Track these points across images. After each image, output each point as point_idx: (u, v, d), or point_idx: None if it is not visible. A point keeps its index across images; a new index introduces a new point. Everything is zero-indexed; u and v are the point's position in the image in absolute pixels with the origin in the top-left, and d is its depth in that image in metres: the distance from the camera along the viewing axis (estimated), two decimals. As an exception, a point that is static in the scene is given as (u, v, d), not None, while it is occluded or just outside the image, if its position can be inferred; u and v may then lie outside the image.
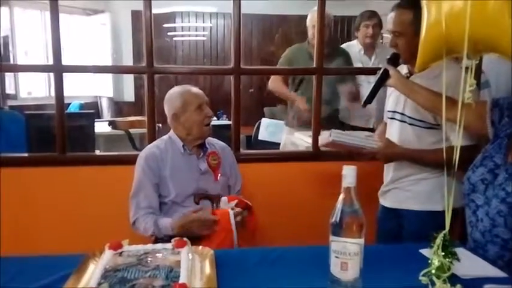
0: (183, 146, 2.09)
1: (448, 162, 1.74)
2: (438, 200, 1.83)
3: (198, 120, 2.06)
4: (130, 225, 2.02)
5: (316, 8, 3.18)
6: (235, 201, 1.98)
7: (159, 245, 1.39)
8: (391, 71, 1.81)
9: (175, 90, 2.12)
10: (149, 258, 1.28)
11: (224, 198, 1.99)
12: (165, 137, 2.16)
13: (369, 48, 3.29)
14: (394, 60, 1.87)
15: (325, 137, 1.98)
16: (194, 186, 2.05)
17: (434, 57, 1.48)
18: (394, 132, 1.99)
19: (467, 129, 1.62)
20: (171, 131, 2.14)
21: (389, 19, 1.89)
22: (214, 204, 2.06)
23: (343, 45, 3.49)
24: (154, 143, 2.16)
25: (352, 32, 3.65)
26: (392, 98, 2.02)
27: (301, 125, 3.21)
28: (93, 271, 1.23)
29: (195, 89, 2.11)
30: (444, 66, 1.39)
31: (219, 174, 2.11)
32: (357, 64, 3.20)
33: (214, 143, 2.20)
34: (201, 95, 2.11)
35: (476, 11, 1.16)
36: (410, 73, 1.93)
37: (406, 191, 1.96)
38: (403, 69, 1.97)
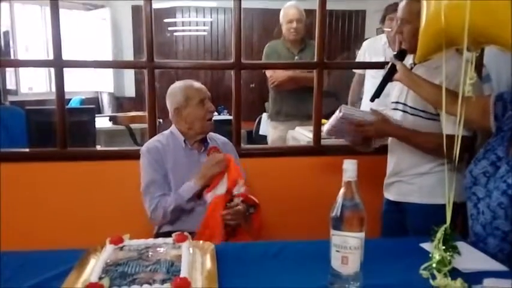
0: (184, 140, 2.09)
1: (441, 149, 1.78)
2: (441, 194, 1.82)
3: (200, 115, 2.06)
4: (148, 219, 2.02)
5: (288, 3, 3.28)
6: (240, 198, 1.98)
7: (160, 240, 1.39)
8: (398, 65, 1.81)
9: (178, 84, 2.12)
10: (150, 253, 1.28)
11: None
12: (166, 131, 2.16)
13: (395, 41, 3.27)
14: (401, 55, 1.87)
15: (332, 119, 1.97)
16: None
17: (434, 48, 1.48)
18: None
19: (471, 123, 1.62)
20: (173, 126, 2.14)
21: (399, 7, 1.93)
22: None
23: (370, 40, 3.45)
24: (156, 137, 2.16)
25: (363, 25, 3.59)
26: (396, 90, 2.04)
27: (284, 120, 3.29)
28: (94, 266, 1.23)
29: (197, 84, 2.12)
30: (444, 58, 1.39)
31: None
32: (380, 57, 3.15)
33: (216, 138, 2.20)
34: (204, 90, 2.11)
35: (476, 3, 1.16)
36: (415, 63, 1.93)
37: (410, 184, 1.96)
38: (409, 59, 1.98)
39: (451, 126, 1.71)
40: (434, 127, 1.85)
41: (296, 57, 3.27)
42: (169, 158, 2.05)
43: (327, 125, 2.06)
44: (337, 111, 1.94)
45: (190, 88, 2.09)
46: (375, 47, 3.24)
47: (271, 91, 3.38)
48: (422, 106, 1.87)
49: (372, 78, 3.20)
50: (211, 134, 2.19)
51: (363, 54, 3.31)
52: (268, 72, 3.28)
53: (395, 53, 1.91)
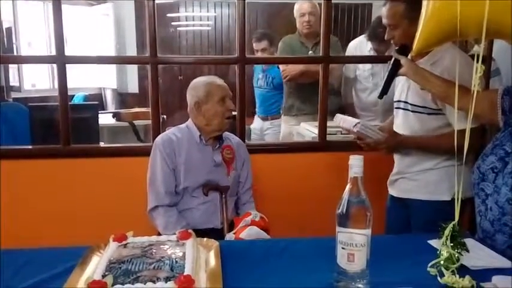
0: (200, 136, 2.09)
1: (454, 147, 1.76)
2: (445, 190, 1.83)
3: (220, 112, 2.07)
4: (146, 212, 2.02)
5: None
6: None
7: (164, 237, 1.39)
8: (403, 60, 1.79)
9: (201, 79, 2.13)
10: (154, 250, 1.27)
11: (230, 235, 1.88)
12: (182, 125, 2.16)
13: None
14: (403, 50, 1.85)
15: (350, 122, 1.99)
16: (206, 178, 2.05)
17: (434, 42, 1.46)
18: (400, 121, 2.01)
19: (479, 117, 1.60)
20: (189, 120, 2.15)
21: (382, 13, 1.89)
22: (223, 195, 2.05)
23: (355, 42, 3.39)
24: (171, 130, 2.16)
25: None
26: (398, 88, 2.03)
27: (296, 114, 3.27)
28: (98, 263, 1.22)
29: (220, 81, 2.13)
30: (456, 53, 1.37)
31: (231, 169, 2.11)
32: (366, 65, 3.15)
33: (231, 138, 2.21)
34: (226, 88, 2.11)
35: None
36: (412, 59, 1.91)
37: (413, 181, 1.96)
38: None
39: (458, 122, 1.70)
40: (436, 122, 1.85)
41: (310, 52, 3.25)
42: (182, 152, 2.05)
43: (341, 122, 2.06)
44: (353, 123, 1.96)
45: (212, 84, 2.09)
46: (361, 53, 3.20)
47: (285, 85, 3.38)
48: (422, 102, 1.87)
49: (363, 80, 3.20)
50: (227, 133, 2.19)
51: None
52: (282, 66, 3.29)
53: (397, 48, 1.88)
